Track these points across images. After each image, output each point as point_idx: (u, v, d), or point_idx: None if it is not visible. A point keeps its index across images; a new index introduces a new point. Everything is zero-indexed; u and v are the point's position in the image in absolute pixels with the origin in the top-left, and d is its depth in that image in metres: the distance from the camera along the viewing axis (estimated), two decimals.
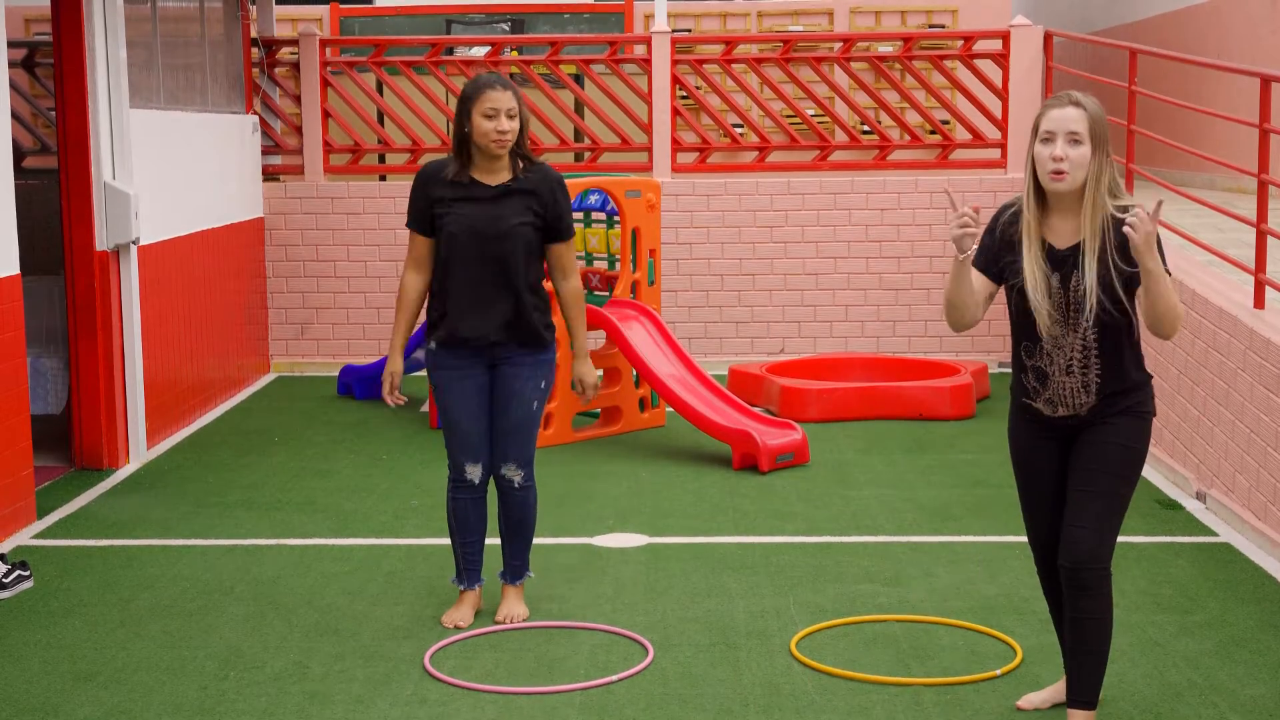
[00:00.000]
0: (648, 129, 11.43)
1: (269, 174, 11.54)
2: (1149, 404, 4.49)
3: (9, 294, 6.99)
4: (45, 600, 5.99)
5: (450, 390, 5.52)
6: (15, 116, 9.10)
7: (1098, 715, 4.69)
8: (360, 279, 11.31)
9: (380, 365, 10.05)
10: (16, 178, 7.21)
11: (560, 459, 8.37)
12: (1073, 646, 4.50)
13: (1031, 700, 4.83)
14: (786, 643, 5.43)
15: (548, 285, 5.68)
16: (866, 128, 11.76)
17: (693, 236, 11.26)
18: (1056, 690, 4.81)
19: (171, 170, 9.11)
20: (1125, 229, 4.17)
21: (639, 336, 8.75)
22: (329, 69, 11.57)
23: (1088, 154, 4.31)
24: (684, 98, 12.06)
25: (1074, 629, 4.47)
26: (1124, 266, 4.32)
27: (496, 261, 5.43)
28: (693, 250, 11.27)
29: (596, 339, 10.07)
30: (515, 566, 5.76)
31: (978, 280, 4.52)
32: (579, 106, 12.07)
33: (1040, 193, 4.40)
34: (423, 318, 5.66)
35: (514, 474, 5.61)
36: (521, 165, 5.48)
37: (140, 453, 8.43)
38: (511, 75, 12.01)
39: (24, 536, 6.94)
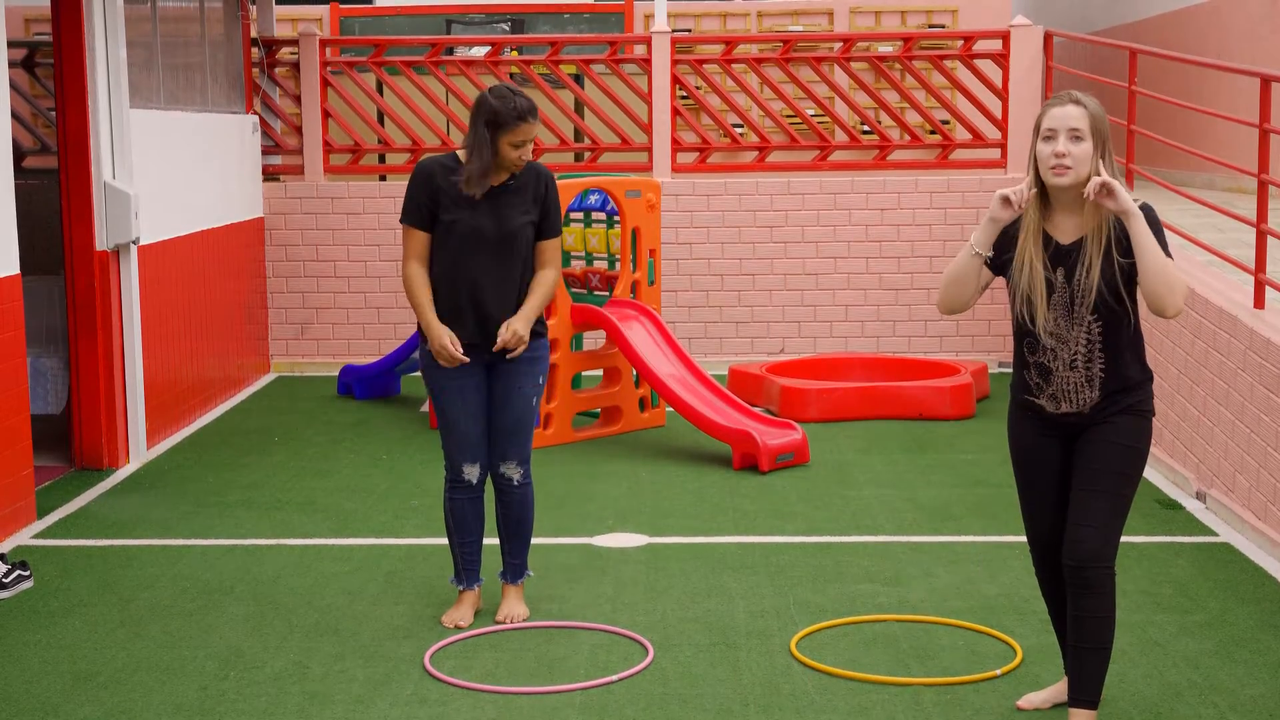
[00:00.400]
0: (648, 129, 11.43)
1: (269, 174, 11.54)
2: (1149, 403, 4.51)
3: (9, 294, 6.99)
4: (45, 600, 5.99)
5: (447, 390, 5.52)
6: (15, 116, 9.09)
7: (1098, 715, 4.69)
8: (360, 279, 11.31)
9: (381, 365, 10.05)
10: (16, 178, 7.21)
11: (560, 459, 8.37)
12: (1075, 645, 4.50)
13: (1032, 700, 4.83)
14: (786, 643, 5.43)
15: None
16: (866, 128, 11.76)
17: (693, 236, 11.26)
18: (1057, 690, 4.81)
19: (171, 170, 9.11)
20: (1085, 191, 4.28)
21: (639, 336, 8.75)
22: (329, 69, 11.57)
23: (1089, 150, 4.35)
24: (684, 98, 12.06)
25: (1077, 628, 4.47)
26: (1123, 259, 4.35)
27: (499, 261, 5.44)
28: (693, 250, 11.27)
29: (596, 339, 10.08)
30: (515, 566, 5.76)
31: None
32: (579, 106, 12.07)
33: (1044, 192, 4.43)
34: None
35: (513, 472, 5.62)
36: None
37: (140, 453, 8.43)
38: (511, 75, 12.01)
39: (24, 536, 6.94)
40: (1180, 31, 13.97)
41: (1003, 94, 11.35)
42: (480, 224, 5.42)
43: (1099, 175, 4.34)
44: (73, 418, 8.20)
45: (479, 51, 12.69)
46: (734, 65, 11.68)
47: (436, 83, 11.73)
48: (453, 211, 5.43)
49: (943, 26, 13.83)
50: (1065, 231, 4.44)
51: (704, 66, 11.60)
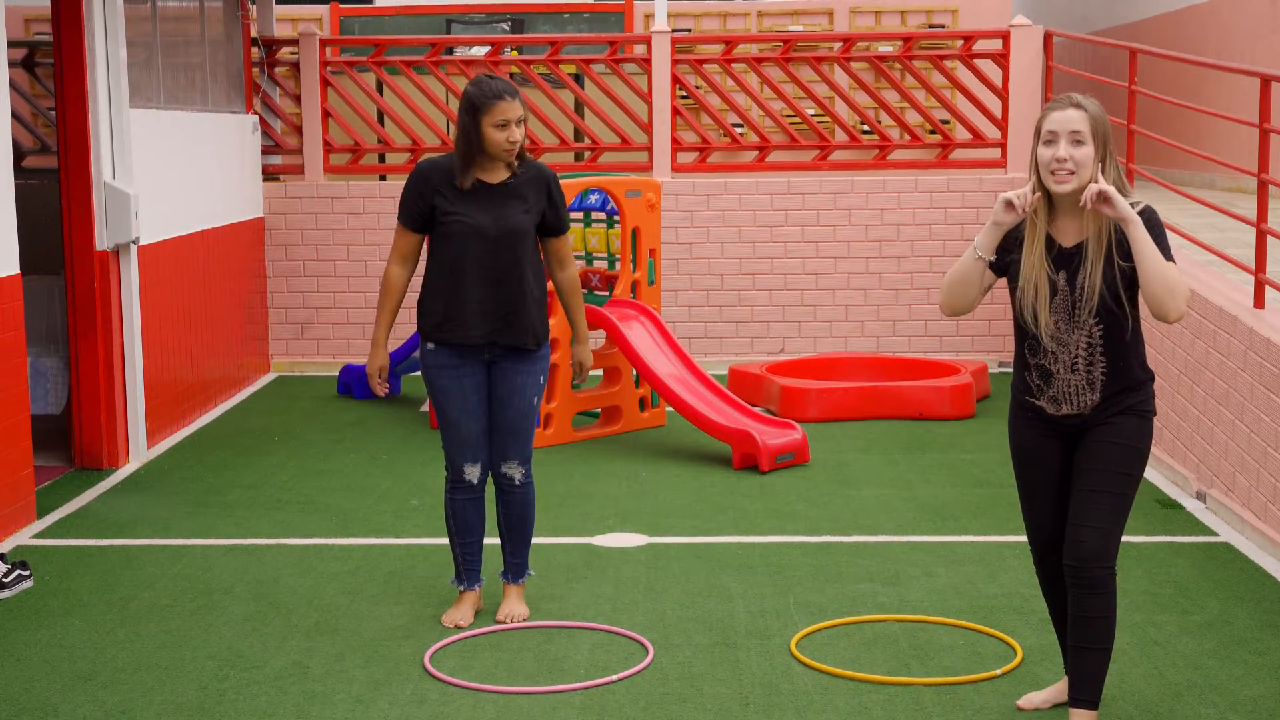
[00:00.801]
0: (648, 129, 11.43)
1: (269, 174, 11.54)
2: (1150, 403, 4.50)
3: (9, 294, 6.99)
4: (45, 600, 5.99)
5: (448, 390, 5.52)
6: (15, 116, 9.10)
7: (1098, 715, 4.69)
8: (360, 279, 11.31)
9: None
10: (16, 177, 7.21)
11: (560, 459, 8.37)
12: (1076, 645, 4.50)
13: (1032, 700, 4.83)
14: (786, 643, 5.43)
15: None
16: (866, 127, 11.76)
17: (693, 236, 11.26)
18: (1057, 690, 4.81)
19: (171, 170, 9.11)
20: (1081, 200, 4.28)
21: (639, 336, 8.75)
22: (329, 69, 11.57)
23: (1091, 153, 4.35)
24: (684, 97, 12.06)
25: (1078, 627, 4.47)
26: (1124, 263, 4.35)
27: (501, 260, 5.44)
28: (693, 250, 11.27)
29: (597, 339, 10.07)
30: (516, 565, 5.76)
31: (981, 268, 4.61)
32: (579, 106, 12.07)
33: (1047, 194, 4.43)
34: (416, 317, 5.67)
35: (514, 471, 5.62)
36: (516, 162, 5.50)
37: (140, 452, 8.43)
38: (511, 75, 12.01)
39: (24, 536, 6.94)
40: (1180, 31, 13.97)
41: (1003, 94, 11.35)
42: (479, 222, 5.43)
43: (1097, 182, 4.34)
44: (73, 418, 8.20)
45: (479, 51, 12.69)
46: (734, 65, 11.68)
47: (436, 83, 11.73)
48: (451, 210, 5.43)
49: (943, 26, 13.83)
50: (1068, 234, 4.44)
51: (704, 66, 11.60)
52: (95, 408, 8.15)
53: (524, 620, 5.67)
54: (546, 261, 5.66)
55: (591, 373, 9.54)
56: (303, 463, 8.38)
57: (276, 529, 7.04)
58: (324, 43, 11.53)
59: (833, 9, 13.88)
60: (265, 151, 11.42)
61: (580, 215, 9.69)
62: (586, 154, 11.92)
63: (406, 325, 11.17)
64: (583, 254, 9.66)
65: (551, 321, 8.54)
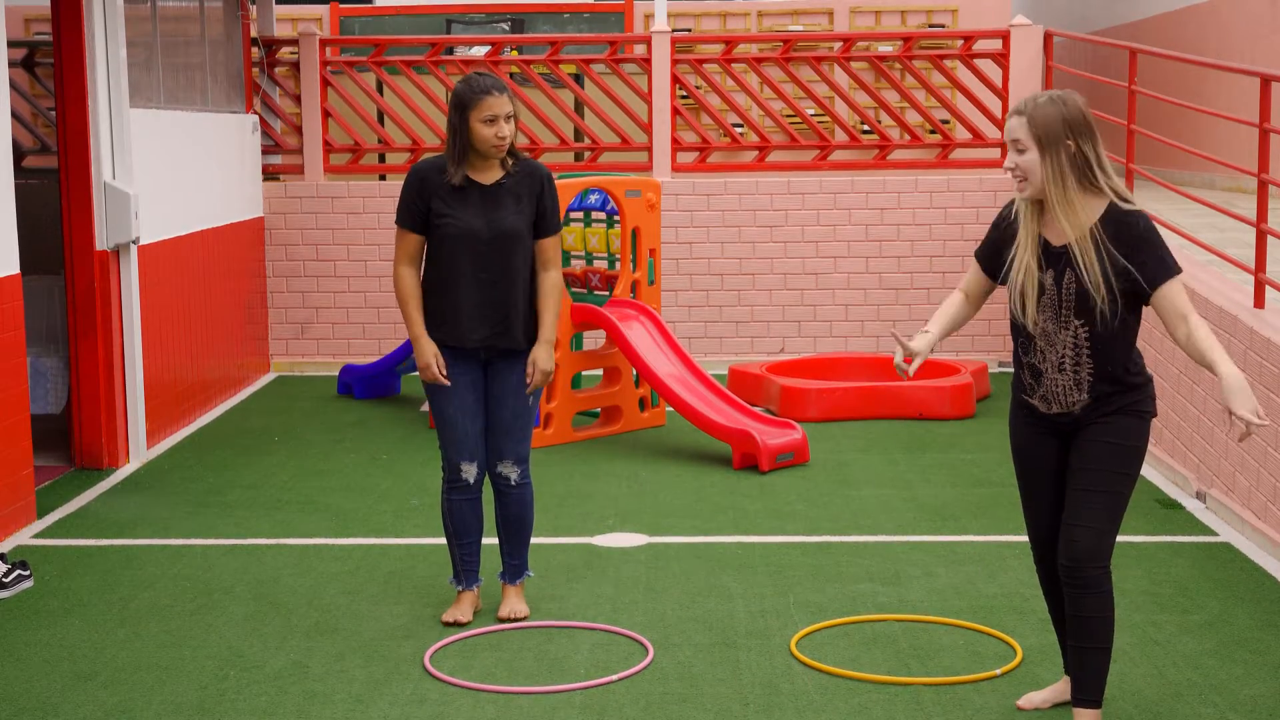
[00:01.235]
0: (648, 129, 11.43)
1: (269, 174, 11.53)
2: (1148, 404, 4.49)
3: (9, 294, 6.99)
4: (45, 600, 5.99)
5: (445, 389, 5.52)
6: (15, 116, 9.10)
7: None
8: (360, 279, 11.31)
9: (381, 365, 10.05)
10: (16, 177, 7.21)
11: (560, 459, 8.37)
12: (1076, 645, 4.50)
13: (1032, 700, 4.82)
14: (786, 643, 5.43)
15: None
16: (866, 127, 11.76)
17: (693, 236, 11.26)
18: (1057, 690, 4.81)
19: (171, 170, 9.11)
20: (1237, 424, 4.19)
21: (639, 336, 8.75)
22: (329, 68, 11.57)
23: (1035, 159, 4.34)
24: (684, 97, 12.06)
25: (1076, 627, 4.47)
26: (1114, 265, 4.32)
27: (496, 260, 5.44)
28: (693, 250, 11.27)
29: (596, 339, 10.08)
30: (514, 566, 5.76)
31: (977, 276, 4.69)
32: (579, 106, 12.07)
33: None
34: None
35: (510, 471, 5.61)
36: (511, 162, 5.49)
37: (140, 452, 8.43)
38: (511, 75, 12.01)
39: (24, 536, 6.94)
40: (1180, 31, 13.98)
41: (1002, 94, 11.34)
42: (472, 224, 5.42)
43: (1098, 190, 4.32)
44: (73, 417, 8.20)
45: (479, 51, 12.69)
46: (734, 65, 11.68)
47: (436, 82, 11.73)
48: (445, 211, 5.42)
49: (943, 26, 13.83)
50: (1057, 233, 4.44)
51: (704, 66, 11.60)
52: (95, 408, 8.15)
53: (524, 619, 5.67)
54: (535, 262, 5.62)
55: (591, 373, 9.53)
56: (303, 463, 8.38)
57: (276, 529, 7.04)
58: (324, 43, 11.53)
59: (833, 9, 13.88)
60: (265, 151, 11.42)
61: (580, 215, 9.69)
62: (586, 154, 11.92)
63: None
64: (583, 254, 9.66)
65: None
